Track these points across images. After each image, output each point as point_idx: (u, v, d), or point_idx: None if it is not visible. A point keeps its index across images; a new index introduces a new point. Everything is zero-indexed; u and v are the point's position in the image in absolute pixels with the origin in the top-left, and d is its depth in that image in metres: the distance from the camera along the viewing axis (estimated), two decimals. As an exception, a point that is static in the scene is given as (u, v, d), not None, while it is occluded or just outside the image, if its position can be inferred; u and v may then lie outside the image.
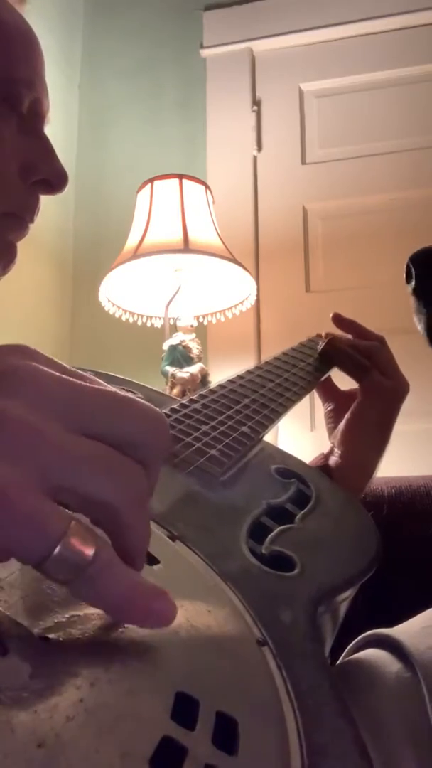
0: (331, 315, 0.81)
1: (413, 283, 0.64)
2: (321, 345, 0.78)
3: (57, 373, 0.27)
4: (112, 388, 0.28)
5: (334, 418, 0.77)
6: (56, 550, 0.23)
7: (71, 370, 0.28)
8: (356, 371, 0.75)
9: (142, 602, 0.25)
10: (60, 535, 0.24)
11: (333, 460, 0.72)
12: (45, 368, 0.27)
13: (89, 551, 0.24)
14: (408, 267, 0.63)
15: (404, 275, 0.65)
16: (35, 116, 0.59)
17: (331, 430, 0.76)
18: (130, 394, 0.28)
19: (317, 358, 0.77)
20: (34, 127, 0.59)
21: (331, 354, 0.77)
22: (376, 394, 0.74)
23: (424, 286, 0.62)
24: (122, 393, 0.28)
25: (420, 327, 0.63)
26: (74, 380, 0.27)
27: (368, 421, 0.74)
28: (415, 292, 0.63)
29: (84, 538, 0.24)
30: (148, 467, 0.27)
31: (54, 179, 0.59)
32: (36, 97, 0.59)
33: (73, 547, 0.24)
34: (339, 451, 0.73)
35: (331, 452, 0.74)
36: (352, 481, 0.71)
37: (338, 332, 0.81)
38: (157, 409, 0.29)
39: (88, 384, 0.27)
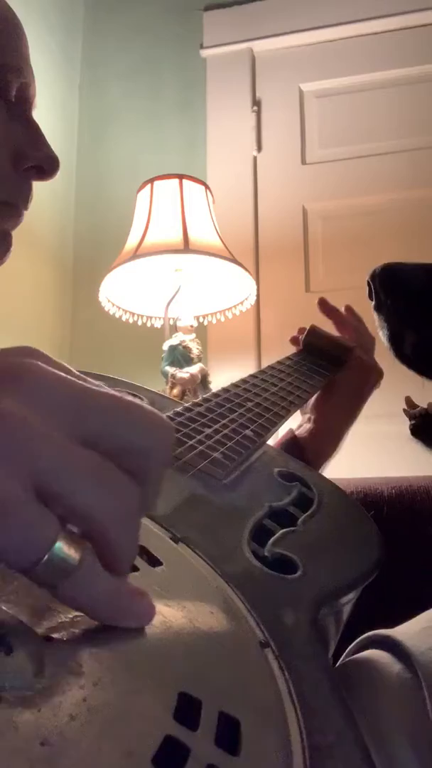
0: (317, 299, 0.90)
1: (374, 300, 0.66)
2: (302, 337, 0.84)
3: (62, 374, 0.27)
4: (116, 392, 0.27)
5: None
6: (46, 556, 0.23)
7: (76, 373, 0.28)
8: (341, 352, 0.82)
9: (125, 604, 0.26)
10: (52, 541, 0.24)
11: (305, 427, 0.80)
12: (50, 370, 0.26)
13: (76, 556, 0.24)
14: (368, 285, 0.65)
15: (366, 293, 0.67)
16: (23, 102, 0.59)
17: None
18: (137, 400, 0.28)
19: (317, 359, 0.78)
20: (22, 113, 0.59)
21: (313, 343, 0.83)
22: (357, 369, 0.82)
23: (384, 302, 0.64)
24: (127, 397, 0.27)
25: (384, 341, 0.65)
26: (78, 382, 0.27)
27: (345, 393, 0.81)
28: (377, 308, 0.65)
29: (71, 543, 0.24)
30: (147, 476, 0.27)
31: (45, 164, 0.58)
32: (23, 82, 0.58)
33: (62, 553, 0.24)
34: (312, 417, 0.80)
35: (301, 422, 0.81)
36: (322, 443, 0.79)
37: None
38: (163, 416, 0.28)
39: (92, 386, 0.27)
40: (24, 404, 0.25)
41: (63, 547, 0.24)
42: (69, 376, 0.27)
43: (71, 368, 0.28)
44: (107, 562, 0.26)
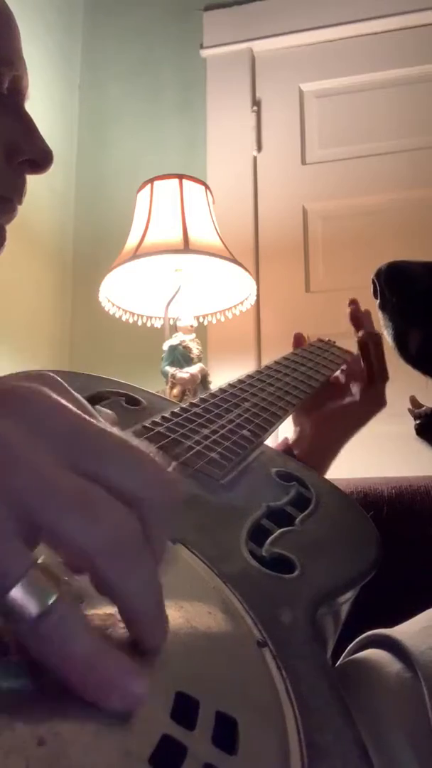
0: (353, 306, 0.88)
1: (379, 299, 0.65)
2: (359, 334, 0.85)
3: (68, 405, 0.25)
4: (125, 437, 0.25)
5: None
6: (5, 597, 0.21)
7: (88, 408, 0.27)
8: (378, 374, 0.83)
9: (100, 675, 0.21)
10: (11, 582, 0.21)
11: (302, 443, 0.81)
12: (56, 397, 0.25)
13: (42, 604, 0.21)
14: (373, 283, 0.64)
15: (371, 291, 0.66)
16: (16, 94, 0.59)
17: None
18: (144, 445, 0.26)
19: (320, 361, 0.78)
20: (15, 106, 0.58)
21: (369, 348, 0.83)
22: (377, 402, 0.84)
23: (389, 300, 0.63)
24: (135, 442, 0.25)
25: (389, 340, 0.65)
26: (83, 415, 0.25)
27: (351, 422, 0.84)
28: (381, 307, 0.65)
29: (40, 589, 0.21)
30: (148, 525, 0.24)
31: (39, 158, 0.58)
32: (15, 75, 0.58)
33: (21, 597, 0.21)
34: (312, 433, 0.82)
35: (298, 436, 0.83)
36: (320, 460, 0.81)
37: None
38: (171, 471, 0.26)
39: (96, 422, 0.25)
40: (16, 428, 0.23)
41: (27, 591, 0.21)
42: (74, 408, 0.25)
43: (85, 403, 0.27)
44: (124, 619, 0.24)
